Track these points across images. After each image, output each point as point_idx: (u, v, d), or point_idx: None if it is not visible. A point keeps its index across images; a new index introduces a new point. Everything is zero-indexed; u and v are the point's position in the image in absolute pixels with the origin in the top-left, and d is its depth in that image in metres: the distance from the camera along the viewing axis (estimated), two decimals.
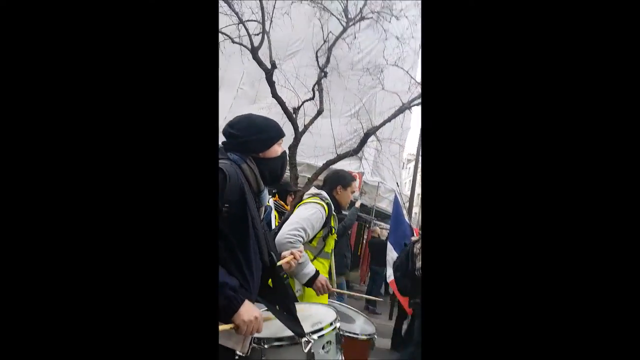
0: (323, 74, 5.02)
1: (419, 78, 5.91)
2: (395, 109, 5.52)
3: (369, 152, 7.88)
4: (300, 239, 1.48)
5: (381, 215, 8.65)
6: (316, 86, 5.13)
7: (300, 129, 5.20)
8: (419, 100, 5.55)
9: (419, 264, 2.29)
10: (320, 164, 5.64)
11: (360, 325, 1.55)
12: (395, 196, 4.74)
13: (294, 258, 1.23)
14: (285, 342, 1.08)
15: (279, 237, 1.46)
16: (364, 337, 1.45)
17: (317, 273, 1.52)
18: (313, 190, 1.79)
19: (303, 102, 5.12)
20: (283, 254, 1.25)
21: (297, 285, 1.56)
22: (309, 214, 1.57)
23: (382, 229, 7.72)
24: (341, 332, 1.27)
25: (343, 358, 1.22)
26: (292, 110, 5.02)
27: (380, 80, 5.90)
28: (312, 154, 6.45)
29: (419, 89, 5.57)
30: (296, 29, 6.42)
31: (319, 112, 5.28)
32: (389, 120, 5.58)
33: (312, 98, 5.09)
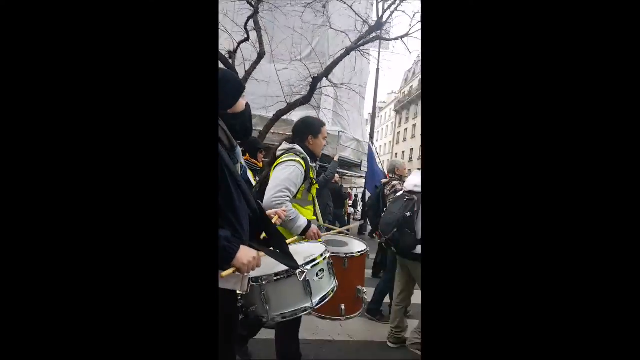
0: (254, 9, 4.48)
1: (364, 14, 5.46)
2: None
3: (327, 101, 7.59)
4: (287, 199, 1.54)
5: (345, 164, 8.64)
6: (252, 25, 4.61)
7: (242, 76, 4.79)
8: (369, 40, 5.19)
9: (388, 204, 2.61)
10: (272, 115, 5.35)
11: (354, 246, 1.87)
12: (369, 147, 5.19)
13: (279, 218, 1.36)
14: (282, 276, 1.18)
15: (266, 201, 1.51)
16: (358, 254, 1.76)
17: (309, 224, 1.61)
18: (285, 145, 1.71)
19: (239, 44, 4.64)
20: (268, 212, 1.33)
21: None
22: (288, 173, 1.59)
23: (341, 177, 7.80)
24: (341, 256, 1.63)
25: (336, 282, 1.39)
26: (227, 55, 4.55)
27: (327, 17, 5.41)
28: (262, 104, 6.08)
29: (366, 27, 5.18)
30: None
31: (260, 55, 4.83)
32: (336, 63, 5.22)
33: (247, 39, 4.60)
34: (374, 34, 4.98)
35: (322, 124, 1.76)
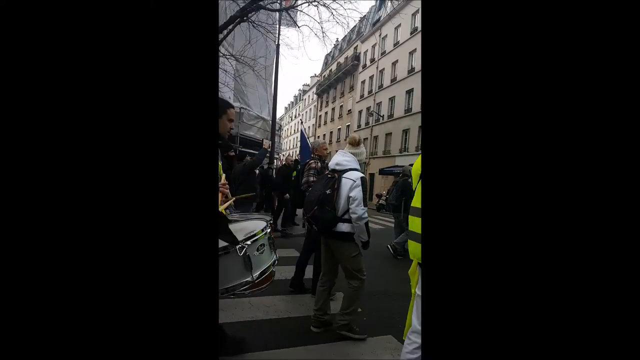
0: None
1: None
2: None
3: (227, 76, 7.17)
4: None
5: (248, 143, 8.42)
6: None
7: None
8: (252, 8, 4.99)
9: (304, 179, 2.73)
10: None
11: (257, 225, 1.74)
12: (301, 130, 5.93)
13: (222, 193, 1.45)
14: (221, 252, 1.21)
15: None
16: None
17: None
18: None
19: None
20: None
21: None
22: None
23: (249, 157, 7.57)
24: (272, 237, 1.53)
25: (277, 255, 1.46)
26: None
27: None
28: None
29: None
30: None
31: None
32: (223, 35, 4.90)
33: None
34: (255, 4, 4.80)
35: (228, 105, 1.66)
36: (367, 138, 22.04)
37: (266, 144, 4.78)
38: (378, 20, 22.88)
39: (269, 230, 1.44)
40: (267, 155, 5.82)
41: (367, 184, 2.19)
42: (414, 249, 1.33)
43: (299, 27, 6.94)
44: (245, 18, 5.35)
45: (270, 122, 9.34)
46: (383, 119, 20.46)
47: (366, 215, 2.06)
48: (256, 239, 1.33)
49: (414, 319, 1.37)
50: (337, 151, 2.40)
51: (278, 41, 7.77)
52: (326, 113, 31.57)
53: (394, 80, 19.97)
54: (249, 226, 1.49)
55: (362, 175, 2.13)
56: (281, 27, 7.81)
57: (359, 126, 24.07)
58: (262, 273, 1.31)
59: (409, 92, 18.04)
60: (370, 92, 22.91)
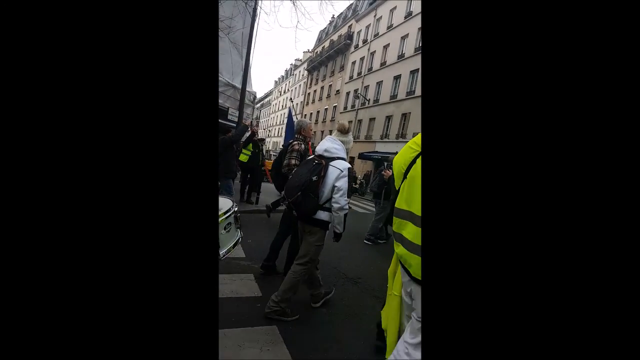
0: None
1: None
2: None
3: None
4: None
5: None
6: None
7: None
8: None
9: (286, 161, 2.63)
10: None
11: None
12: (289, 108, 5.95)
13: None
14: None
15: None
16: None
17: None
18: None
19: None
20: None
21: None
22: None
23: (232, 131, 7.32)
24: (239, 215, 1.56)
25: (241, 233, 1.52)
26: None
27: None
28: None
29: None
30: None
31: None
32: None
33: None
34: None
35: None
36: (351, 121, 21.84)
37: (247, 121, 4.80)
38: (375, 0, 22.11)
39: (235, 209, 1.48)
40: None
41: (352, 175, 2.13)
42: (400, 251, 1.26)
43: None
44: None
45: (247, 92, 9.00)
46: (369, 103, 20.23)
47: (347, 207, 2.02)
48: (224, 217, 1.35)
49: (407, 329, 1.29)
50: (325, 135, 2.29)
51: (255, 5, 7.34)
52: (315, 91, 30.93)
53: (383, 64, 19.60)
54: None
55: (349, 165, 2.08)
56: None
57: (345, 108, 23.75)
58: (227, 251, 1.35)
59: (397, 77, 17.79)
60: (359, 74, 22.47)
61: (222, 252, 1.30)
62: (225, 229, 1.36)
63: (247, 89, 9.94)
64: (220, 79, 8.05)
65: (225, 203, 1.51)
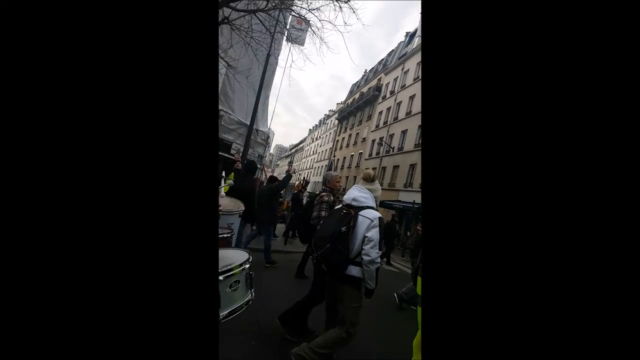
0: None
1: None
2: None
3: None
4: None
5: (222, 146, 8.20)
6: None
7: None
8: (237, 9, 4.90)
9: (315, 213, 2.54)
10: None
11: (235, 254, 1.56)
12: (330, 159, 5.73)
13: None
14: None
15: None
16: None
17: None
18: None
19: None
20: None
21: None
22: None
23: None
24: (252, 273, 1.36)
25: (253, 294, 1.32)
26: None
27: None
28: None
29: None
30: None
31: None
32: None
33: None
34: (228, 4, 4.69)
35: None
36: (375, 168, 21.52)
37: (290, 169, 4.86)
38: (404, 54, 23.03)
39: (247, 266, 1.30)
40: (243, 161, 5.65)
41: (383, 225, 1.85)
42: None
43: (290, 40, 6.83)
44: (225, 20, 5.27)
45: (258, 131, 9.15)
46: (393, 151, 19.95)
47: (379, 260, 1.78)
48: (230, 274, 1.18)
49: None
50: (350, 180, 2.09)
51: (269, 52, 7.71)
52: (343, 138, 31.62)
53: (408, 114, 19.63)
54: (228, 256, 1.32)
55: (380, 215, 1.87)
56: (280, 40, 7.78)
57: (370, 155, 23.67)
58: (231, 312, 1.16)
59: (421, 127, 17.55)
60: (385, 122, 22.66)
61: (223, 313, 1.12)
62: (230, 287, 1.18)
63: (262, 129, 10.17)
64: (231, 116, 8.29)
65: (237, 257, 1.34)
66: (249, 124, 8.75)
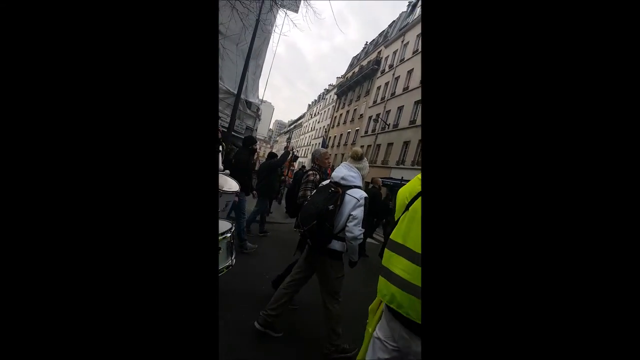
0: None
1: None
2: None
3: None
4: None
5: None
6: None
7: None
8: None
9: (301, 193, 2.58)
10: None
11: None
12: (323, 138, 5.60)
13: None
14: None
15: None
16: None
17: None
18: None
19: None
20: None
21: None
22: None
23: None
24: (233, 240, 1.54)
25: (233, 260, 1.48)
26: None
27: None
28: None
29: None
30: None
31: None
32: None
33: None
34: None
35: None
36: (370, 145, 21.46)
37: (289, 146, 4.96)
38: (405, 26, 22.25)
39: (229, 235, 1.44)
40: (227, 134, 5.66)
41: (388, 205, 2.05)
42: (383, 287, 1.16)
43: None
44: None
45: (245, 101, 9.05)
46: (388, 128, 19.82)
47: (362, 236, 1.91)
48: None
49: None
50: (345, 159, 2.15)
51: (258, 17, 7.46)
52: (341, 115, 31.18)
53: (405, 89, 19.32)
54: None
55: (365, 195, 2.00)
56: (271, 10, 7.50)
57: (366, 132, 23.52)
58: None
59: (417, 102, 17.34)
60: (382, 98, 22.32)
61: None
62: None
63: (253, 100, 10.03)
64: (221, 86, 8.16)
65: (222, 226, 1.49)
66: (247, 98, 8.64)
